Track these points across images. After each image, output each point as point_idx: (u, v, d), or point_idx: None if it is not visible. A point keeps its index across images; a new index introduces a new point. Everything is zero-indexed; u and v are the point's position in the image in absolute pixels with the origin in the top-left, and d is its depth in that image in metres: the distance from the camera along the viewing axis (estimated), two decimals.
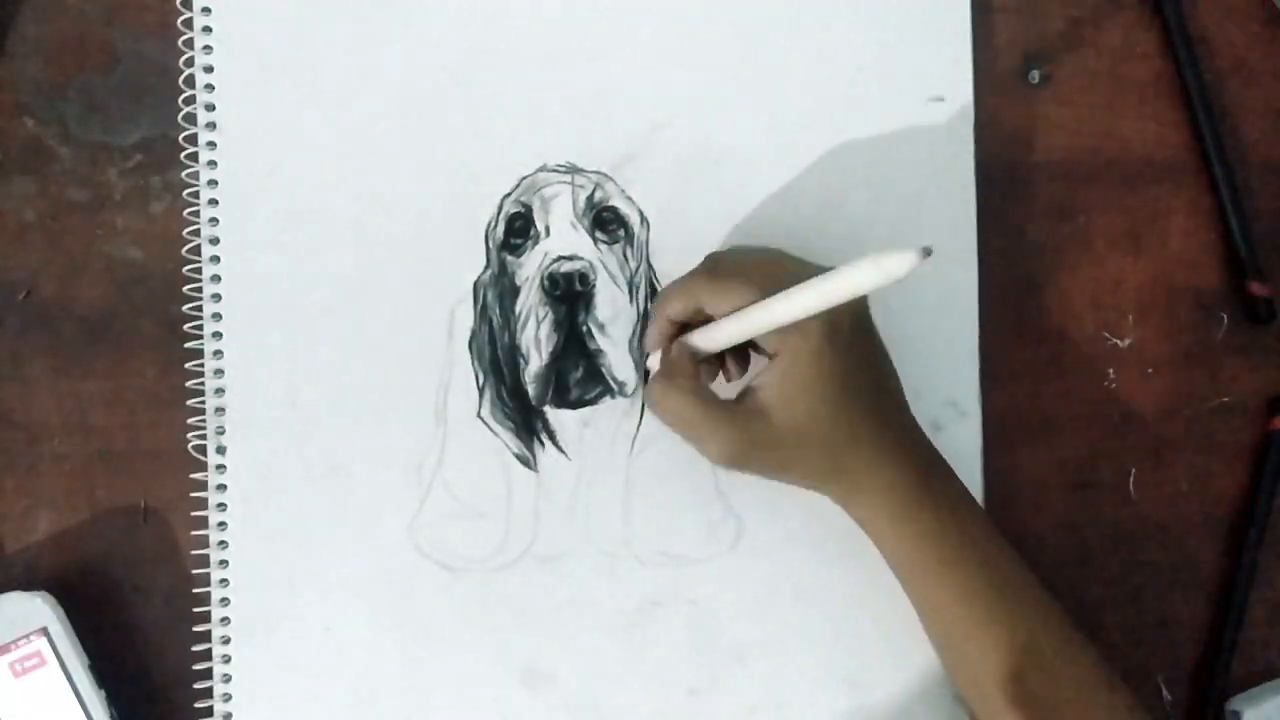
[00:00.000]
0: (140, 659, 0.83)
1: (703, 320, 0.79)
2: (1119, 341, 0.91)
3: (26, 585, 0.81)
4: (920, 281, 0.85)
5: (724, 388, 0.81)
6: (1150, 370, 0.92)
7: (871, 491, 0.78)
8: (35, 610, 0.79)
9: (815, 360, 0.75)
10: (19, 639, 0.78)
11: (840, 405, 0.76)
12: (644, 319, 0.85)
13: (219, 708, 0.82)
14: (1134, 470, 0.92)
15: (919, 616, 0.81)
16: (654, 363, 0.83)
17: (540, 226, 0.84)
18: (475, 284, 0.84)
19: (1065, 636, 0.79)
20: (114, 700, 0.80)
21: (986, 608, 0.78)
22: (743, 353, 0.83)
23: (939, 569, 0.78)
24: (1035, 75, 0.91)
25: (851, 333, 0.78)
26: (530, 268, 0.84)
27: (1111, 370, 0.91)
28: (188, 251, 0.82)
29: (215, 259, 0.82)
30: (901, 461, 0.79)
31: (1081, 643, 0.79)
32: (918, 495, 0.78)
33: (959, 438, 0.88)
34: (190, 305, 0.82)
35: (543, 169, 0.85)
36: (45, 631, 0.78)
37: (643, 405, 0.85)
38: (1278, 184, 0.94)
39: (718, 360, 0.82)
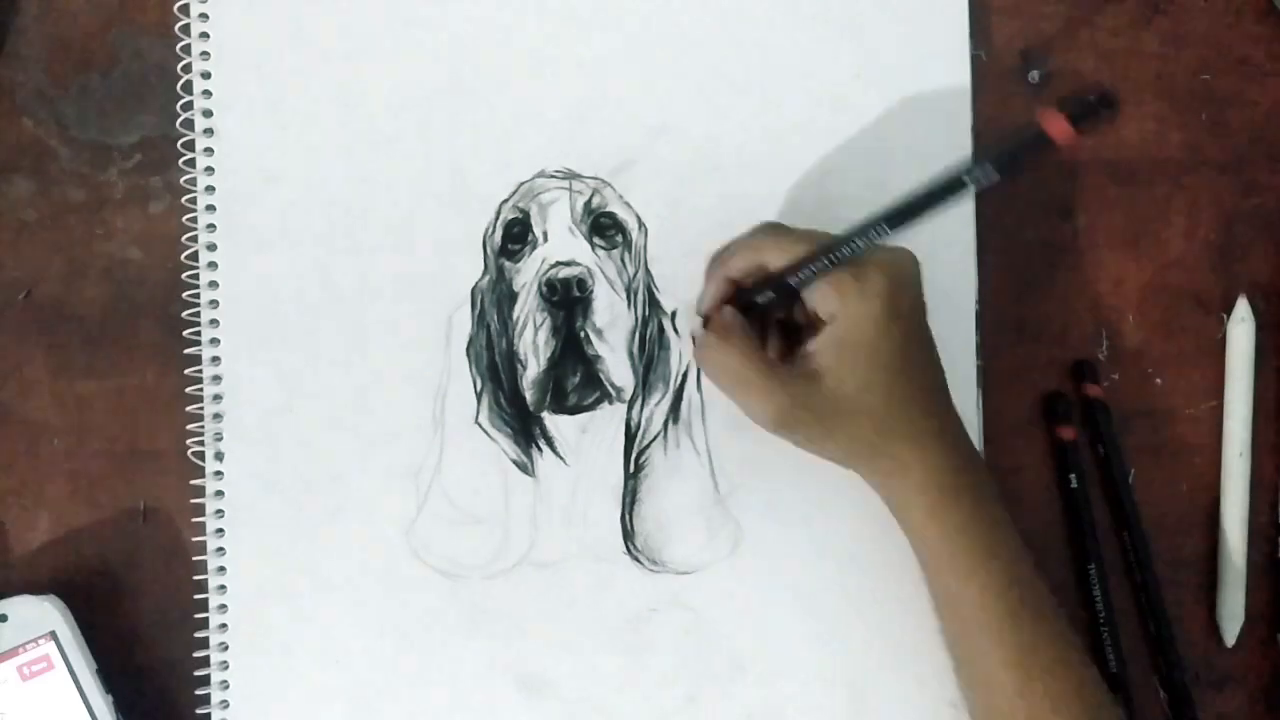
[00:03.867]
0: (139, 659, 0.83)
1: (757, 283, 0.80)
2: (1118, 342, 0.91)
3: (26, 584, 0.81)
4: None
5: None
6: (1150, 370, 0.91)
7: (913, 474, 0.78)
8: (44, 614, 0.79)
9: (876, 327, 0.76)
10: (27, 643, 0.78)
11: (896, 378, 0.76)
12: (643, 326, 0.85)
13: (217, 715, 0.82)
14: (1134, 470, 0.91)
15: (935, 603, 0.81)
16: (695, 326, 0.84)
17: (538, 232, 0.84)
18: (473, 290, 0.84)
19: (1070, 643, 0.78)
20: (121, 706, 0.80)
21: (1006, 604, 0.77)
22: (786, 329, 0.83)
23: (969, 561, 0.78)
24: (1035, 75, 0.91)
25: (911, 308, 0.78)
26: (528, 273, 0.84)
27: (1113, 371, 0.91)
28: (186, 256, 0.82)
29: (213, 265, 0.82)
30: (947, 448, 0.78)
31: (1082, 652, 0.79)
32: (957, 486, 0.78)
33: None
34: (189, 311, 0.82)
35: (541, 175, 0.85)
36: (54, 635, 0.79)
37: (641, 410, 0.85)
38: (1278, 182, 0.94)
39: (761, 334, 0.82)
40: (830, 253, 0.75)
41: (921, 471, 0.78)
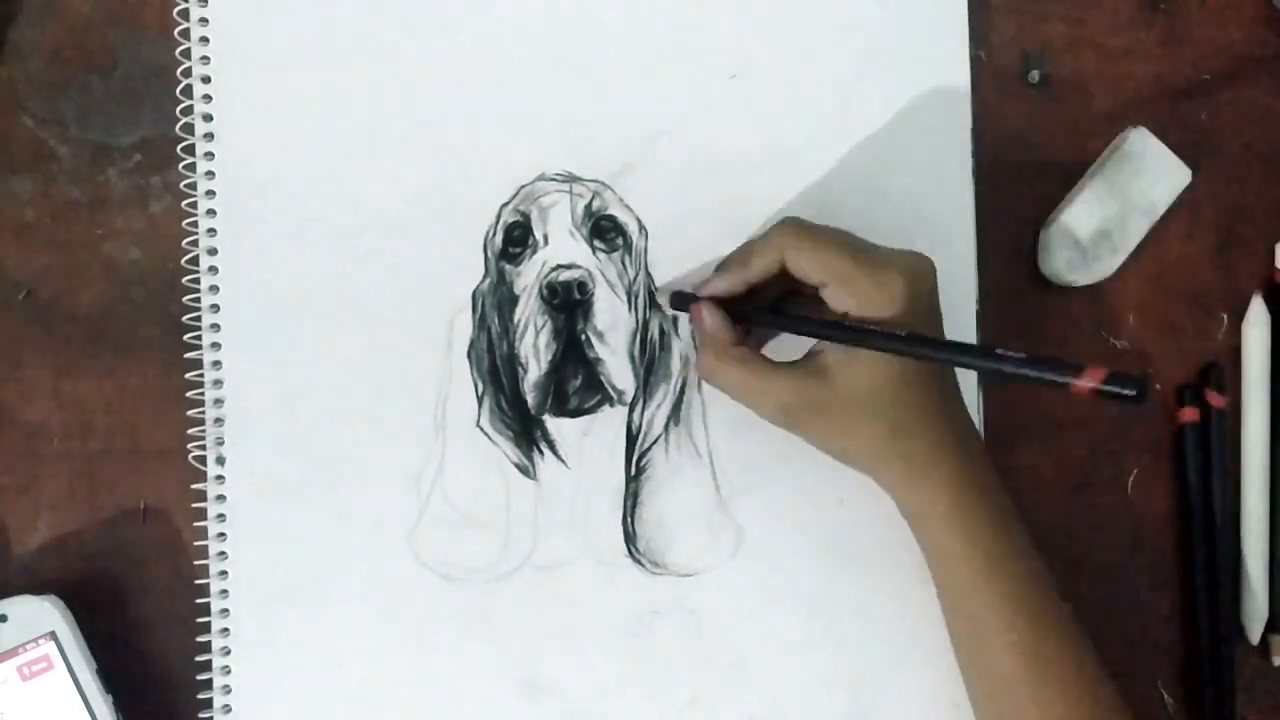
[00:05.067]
0: (141, 659, 0.83)
1: (763, 288, 0.80)
2: (1118, 341, 0.91)
3: (26, 584, 0.81)
4: None
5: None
6: (1150, 371, 0.92)
7: (930, 481, 0.77)
8: (44, 614, 0.79)
9: (892, 327, 0.75)
10: (27, 643, 0.78)
11: (908, 382, 0.76)
12: (644, 329, 0.85)
13: (219, 718, 0.82)
14: (1135, 470, 0.92)
15: (946, 606, 0.81)
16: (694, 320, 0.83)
17: (539, 235, 0.84)
18: (474, 293, 0.84)
19: (1085, 647, 0.78)
20: (121, 706, 0.80)
21: (1023, 610, 0.77)
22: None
23: (985, 569, 0.77)
24: (1035, 75, 0.91)
25: (927, 312, 0.78)
26: (529, 277, 0.84)
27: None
28: (187, 256, 0.82)
29: (214, 269, 0.82)
30: (964, 456, 0.78)
31: (1096, 657, 0.79)
32: (973, 494, 0.77)
33: None
34: (190, 315, 0.82)
35: (541, 178, 0.85)
36: (54, 635, 0.78)
37: (642, 413, 0.85)
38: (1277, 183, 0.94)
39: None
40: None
41: (938, 475, 0.77)
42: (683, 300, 0.83)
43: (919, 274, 0.77)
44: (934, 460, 0.77)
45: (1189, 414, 0.91)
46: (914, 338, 0.73)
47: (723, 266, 0.83)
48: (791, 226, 0.79)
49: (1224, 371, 0.92)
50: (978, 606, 0.78)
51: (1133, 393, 0.63)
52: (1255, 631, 0.92)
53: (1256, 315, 0.91)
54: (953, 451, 0.77)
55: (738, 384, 0.78)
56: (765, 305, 0.81)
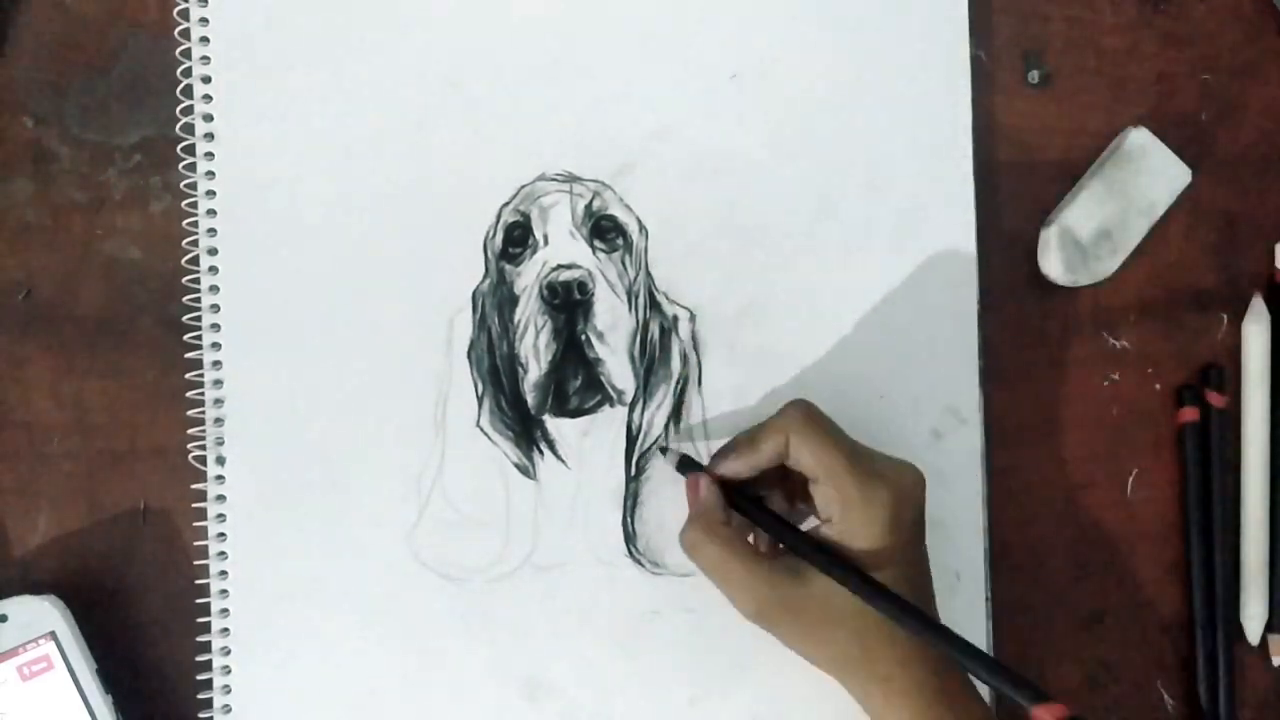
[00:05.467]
0: (141, 659, 0.83)
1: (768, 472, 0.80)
2: (1118, 342, 0.91)
3: (26, 585, 0.82)
4: (920, 285, 0.86)
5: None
6: (1150, 370, 0.92)
7: (896, 688, 0.75)
8: (44, 614, 0.79)
9: (871, 541, 0.75)
10: (27, 643, 0.79)
11: None
12: (644, 329, 0.85)
13: (219, 717, 0.82)
14: (1135, 470, 0.92)
15: None
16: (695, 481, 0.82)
17: (539, 235, 0.84)
18: (474, 293, 0.84)
19: None
20: (121, 706, 0.80)
21: None
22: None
23: None
24: (1035, 75, 0.91)
25: (911, 525, 0.77)
26: (529, 277, 0.84)
27: (1113, 371, 0.91)
28: (187, 257, 0.82)
29: (214, 269, 0.82)
30: (934, 667, 0.76)
31: None
32: (940, 708, 0.75)
33: (959, 445, 0.87)
34: (190, 315, 0.82)
35: (541, 178, 0.85)
36: (53, 635, 0.79)
37: (642, 413, 0.85)
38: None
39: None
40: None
41: (908, 688, 0.75)
42: (688, 466, 0.83)
43: (905, 492, 0.77)
44: (901, 668, 0.75)
45: (1189, 414, 0.91)
46: (883, 593, 0.73)
47: (732, 446, 0.81)
48: (800, 410, 0.78)
49: (1224, 371, 0.92)
50: None
51: None
52: (1255, 632, 0.92)
53: (1257, 314, 0.91)
54: (922, 663, 0.76)
55: (718, 563, 0.77)
56: (753, 496, 0.81)
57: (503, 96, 0.85)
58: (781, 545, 0.80)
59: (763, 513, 0.80)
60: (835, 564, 0.74)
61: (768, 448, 0.78)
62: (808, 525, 0.79)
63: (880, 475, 0.76)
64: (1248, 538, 0.92)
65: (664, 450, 0.85)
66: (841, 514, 0.75)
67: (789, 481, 0.81)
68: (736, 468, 0.80)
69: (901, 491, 0.76)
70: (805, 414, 0.78)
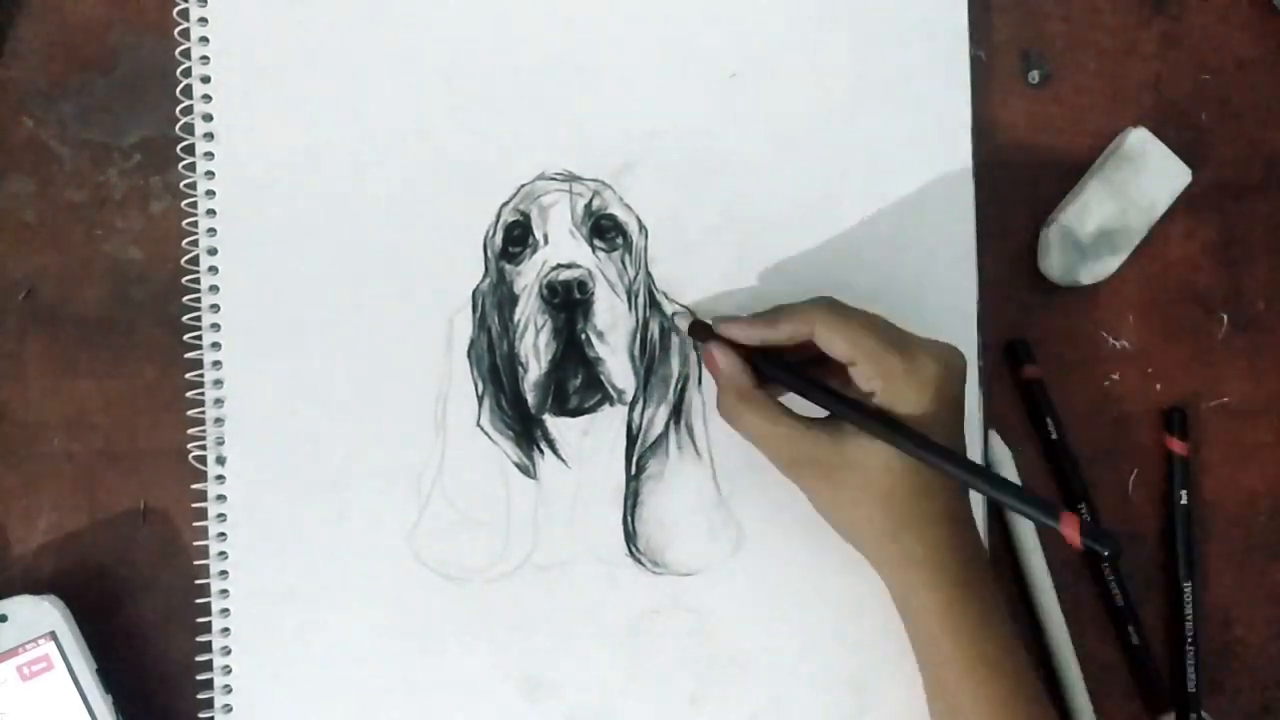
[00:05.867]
0: (141, 659, 0.83)
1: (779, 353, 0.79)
2: (1118, 342, 0.91)
3: (26, 584, 0.82)
4: (920, 286, 0.86)
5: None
6: (1150, 371, 0.92)
7: (924, 576, 0.76)
8: (44, 614, 0.79)
9: (914, 413, 0.74)
10: (27, 643, 0.79)
11: (921, 473, 0.74)
12: (644, 328, 0.85)
13: (220, 717, 0.82)
14: (1135, 470, 0.92)
15: (929, 699, 0.79)
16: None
17: (539, 235, 0.84)
18: (474, 292, 0.84)
19: None
20: (121, 706, 0.80)
21: (1008, 715, 0.76)
22: None
23: (971, 670, 0.75)
24: (1035, 75, 0.91)
25: (954, 404, 0.77)
26: (529, 276, 0.84)
27: (1113, 371, 0.91)
28: (187, 257, 0.82)
29: (213, 269, 0.82)
30: (963, 558, 0.76)
31: None
32: (967, 596, 0.76)
33: None
34: (190, 315, 0.82)
35: (541, 177, 0.85)
36: (53, 635, 0.79)
37: (643, 413, 0.85)
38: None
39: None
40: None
41: (933, 572, 0.76)
42: (699, 330, 0.83)
43: (952, 367, 0.76)
44: (931, 556, 0.76)
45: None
46: (927, 443, 0.73)
47: (747, 318, 0.81)
48: (825, 304, 0.78)
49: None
50: (963, 704, 0.76)
51: (1109, 553, 0.66)
52: None
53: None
54: (952, 551, 0.76)
55: (756, 428, 0.78)
56: (783, 363, 0.80)
57: (502, 96, 0.85)
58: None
59: (792, 375, 0.79)
60: (878, 419, 0.74)
61: (786, 328, 0.78)
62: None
63: (924, 350, 0.75)
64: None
65: (674, 319, 0.85)
66: (885, 385, 0.74)
67: (819, 367, 0.80)
68: (747, 333, 0.80)
69: (948, 367, 0.76)
70: (831, 305, 0.78)
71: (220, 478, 0.82)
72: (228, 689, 0.82)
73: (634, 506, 0.85)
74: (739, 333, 0.80)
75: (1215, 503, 0.93)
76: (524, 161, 0.85)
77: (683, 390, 0.86)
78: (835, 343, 0.76)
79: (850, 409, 0.75)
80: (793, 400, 0.79)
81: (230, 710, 0.82)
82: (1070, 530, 0.67)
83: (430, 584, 0.84)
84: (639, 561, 0.85)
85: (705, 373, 0.85)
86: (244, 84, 0.83)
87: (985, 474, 0.74)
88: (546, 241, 0.84)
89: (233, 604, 0.82)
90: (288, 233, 0.83)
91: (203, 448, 0.82)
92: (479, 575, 0.84)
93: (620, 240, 0.85)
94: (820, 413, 0.78)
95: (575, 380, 0.84)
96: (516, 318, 0.84)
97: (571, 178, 0.85)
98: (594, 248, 0.84)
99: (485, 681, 0.84)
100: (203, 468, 0.82)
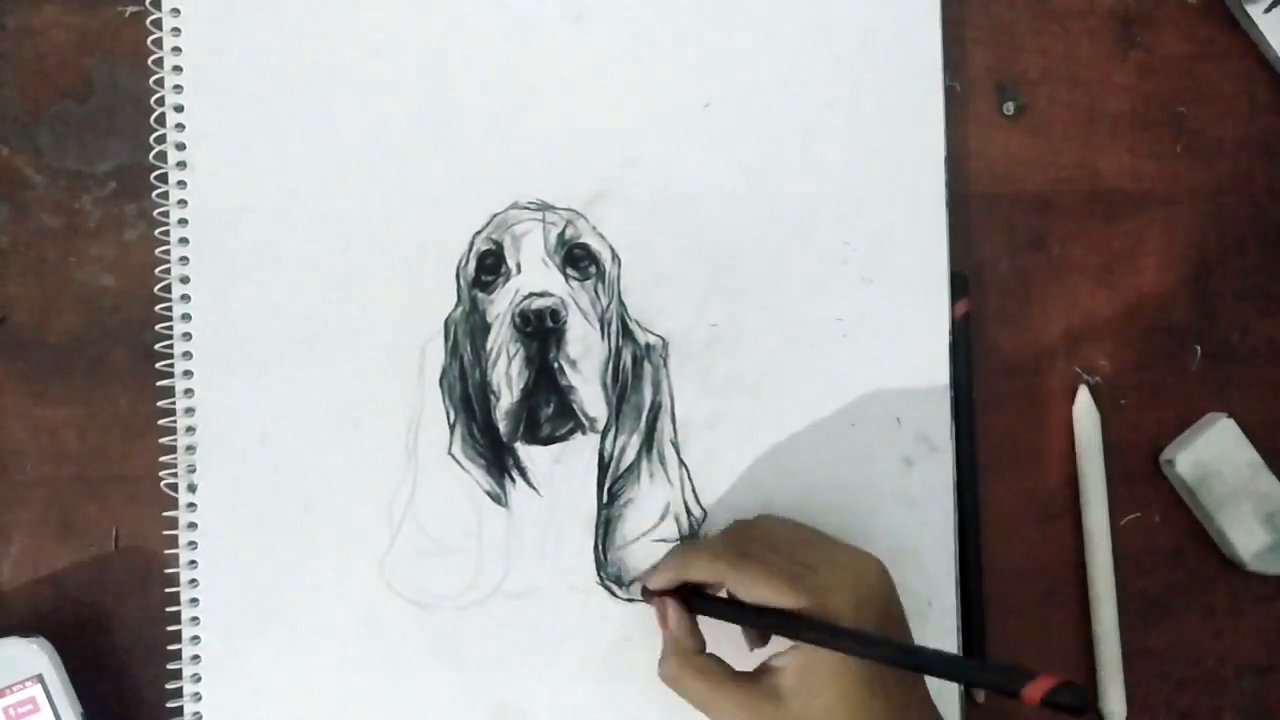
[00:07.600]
0: (118, 690, 0.83)
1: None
2: (1090, 375, 0.91)
3: (2, 617, 0.82)
4: (892, 314, 0.86)
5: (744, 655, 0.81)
6: (1123, 402, 0.92)
7: None
8: (31, 656, 0.79)
9: (847, 620, 0.72)
10: (14, 685, 0.78)
11: (864, 700, 0.72)
12: (616, 356, 0.85)
13: None
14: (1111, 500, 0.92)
15: None
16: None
17: (511, 264, 0.84)
18: (446, 321, 0.84)
19: None
20: None
21: None
22: None
23: None
24: (1009, 107, 0.91)
25: (885, 604, 0.75)
26: (501, 305, 0.84)
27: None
28: (160, 284, 0.82)
29: (186, 297, 0.82)
30: None
31: None
32: None
33: (930, 472, 0.87)
34: (163, 343, 0.82)
35: (514, 206, 0.85)
36: (40, 679, 0.78)
37: (615, 441, 0.85)
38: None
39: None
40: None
41: None
42: (648, 593, 0.84)
43: (866, 574, 0.76)
44: None
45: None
46: (860, 636, 0.71)
47: (667, 559, 0.83)
48: (734, 552, 0.77)
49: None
50: None
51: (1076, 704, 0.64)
52: None
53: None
54: None
55: (697, 695, 0.76)
56: (709, 596, 0.80)
57: (475, 125, 0.85)
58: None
59: (729, 608, 0.78)
60: (810, 626, 0.72)
61: (696, 574, 0.78)
62: (775, 649, 0.76)
63: (833, 584, 0.74)
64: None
65: (625, 322, 0.86)
66: (811, 605, 0.72)
67: None
68: (665, 580, 0.81)
69: (859, 586, 0.74)
70: (740, 544, 0.78)
71: (192, 505, 0.82)
72: (198, 716, 0.82)
73: (605, 535, 0.85)
74: (658, 580, 0.81)
75: None
76: (497, 190, 0.85)
77: (654, 419, 0.86)
78: (750, 594, 0.74)
79: (784, 622, 0.74)
80: None
81: None
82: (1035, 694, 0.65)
83: (402, 611, 0.83)
84: (610, 590, 0.85)
85: (677, 401, 0.86)
86: (217, 112, 0.83)
87: (937, 657, 0.72)
88: (519, 270, 0.84)
89: (203, 632, 0.82)
90: (261, 261, 0.83)
91: (175, 475, 0.82)
92: (450, 603, 0.84)
93: (593, 269, 0.85)
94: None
95: (547, 409, 0.84)
96: (489, 346, 0.84)
97: (545, 207, 0.85)
98: (567, 277, 0.85)
99: (456, 709, 0.84)
100: (175, 495, 0.82)
